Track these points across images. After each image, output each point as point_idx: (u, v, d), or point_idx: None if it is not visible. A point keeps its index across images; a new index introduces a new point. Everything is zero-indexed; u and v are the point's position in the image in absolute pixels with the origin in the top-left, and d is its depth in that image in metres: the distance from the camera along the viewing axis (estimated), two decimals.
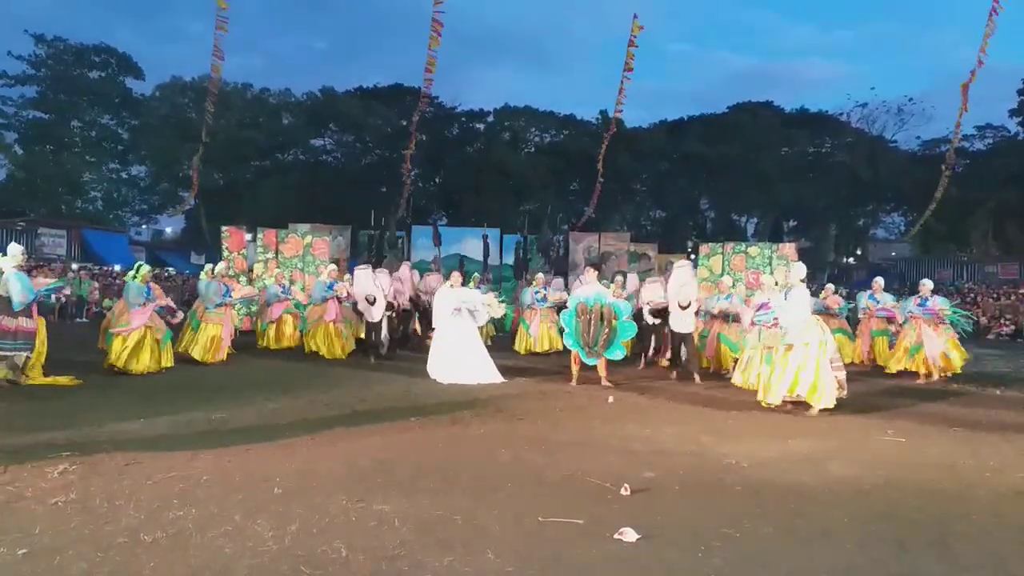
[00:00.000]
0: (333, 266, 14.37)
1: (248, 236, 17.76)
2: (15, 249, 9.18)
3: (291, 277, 16.65)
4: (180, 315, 11.35)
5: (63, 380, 9.12)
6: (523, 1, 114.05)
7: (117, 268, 30.68)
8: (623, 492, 4.82)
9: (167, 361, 10.62)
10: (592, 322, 9.73)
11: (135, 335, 10.19)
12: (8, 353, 8.74)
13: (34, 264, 24.30)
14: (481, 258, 29.17)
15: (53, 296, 10.58)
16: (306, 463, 5.48)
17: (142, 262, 11.34)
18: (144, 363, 10.19)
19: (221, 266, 13.49)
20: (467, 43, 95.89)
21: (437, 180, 47.56)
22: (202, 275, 12.70)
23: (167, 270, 34.05)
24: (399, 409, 7.94)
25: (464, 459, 5.77)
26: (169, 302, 11.12)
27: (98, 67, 43.22)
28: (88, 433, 6.28)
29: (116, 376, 9.87)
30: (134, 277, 10.48)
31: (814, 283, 15.24)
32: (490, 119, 48.86)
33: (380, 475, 5.20)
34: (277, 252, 17.53)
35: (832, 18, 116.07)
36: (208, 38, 21.85)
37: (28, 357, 8.96)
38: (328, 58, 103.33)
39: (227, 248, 17.55)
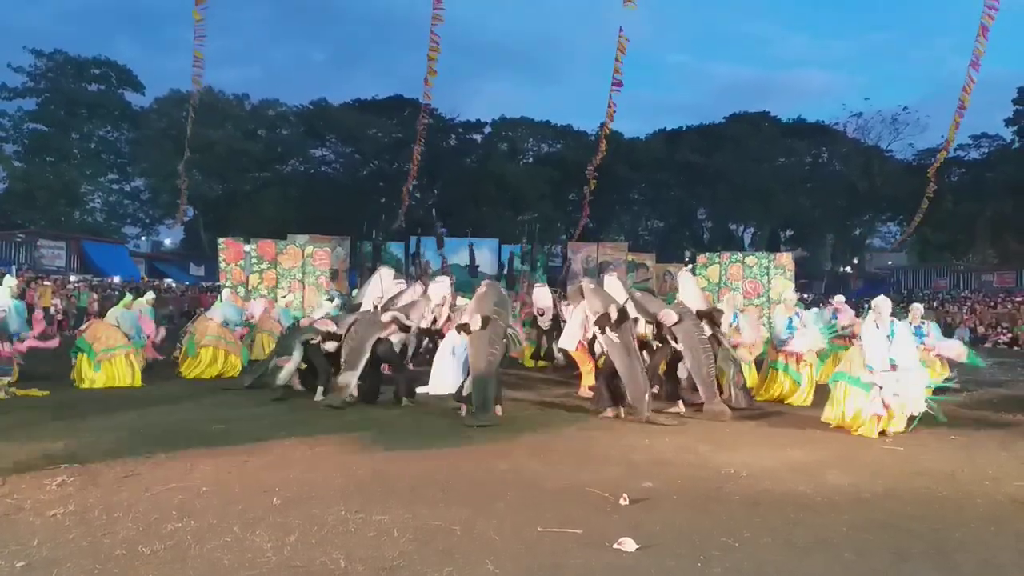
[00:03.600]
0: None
1: (246, 247, 17.73)
2: (10, 280, 9.77)
3: (289, 288, 16.65)
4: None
5: (34, 392, 9.26)
6: (521, 13, 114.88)
7: (116, 280, 30.66)
8: (622, 502, 4.83)
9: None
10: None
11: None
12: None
13: (32, 276, 24.32)
14: (483, 269, 29.31)
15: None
16: (305, 474, 5.48)
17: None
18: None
19: (228, 292, 13.50)
20: (465, 55, 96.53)
21: (435, 191, 47.67)
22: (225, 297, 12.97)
23: (166, 281, 34.06)
24: (397, 420, 7.94)
25: (463, 469, 5.77)
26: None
27: (98, 80, 43.39)
28: (86, 445, 6.28)
29: (114, 391, 9.85)
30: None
31: (810, 292, 15.20)
32: (487, 130, 49.03)
33: (379, 485, 5.20)
34: (275, 262, 17.52)
35: (826, 29, 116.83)
36: (207, 51, 21.88)
37: (9, 380, 9.23)
38: (327, 69, 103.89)
39: (224, 260, 17.54)
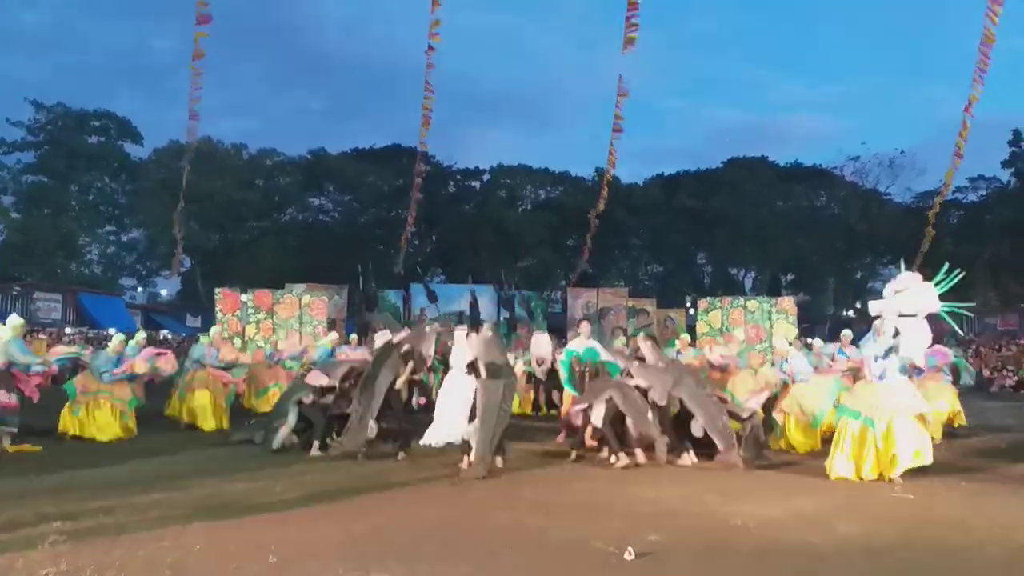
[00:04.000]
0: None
1: (243, 297, 17.71)
2: (15, 320, 9.56)
3: (287, 337, 16.55)
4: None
5: (27, 448, 9.10)
6: (518, 63, 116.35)
7: (112, 331, 30.59)
8: (627, 556, 4.69)
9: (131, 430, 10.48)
10: (587, 377, 9.48)
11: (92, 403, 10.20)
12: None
13: (28, 329, 24.21)
14: (480, 315, 29.12)
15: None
16: (302, 530, 5.35)
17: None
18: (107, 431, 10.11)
19: (215, 330, 13.52)
20: (463, 104, 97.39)
21: (433, 238, 47.92)
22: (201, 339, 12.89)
23: (162, 333, 33.97)
24: (397, 473, 7.82)
25: (464, 524, 5.66)
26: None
27: (97, 132, 43.81)
28: (78, 502, 6.14)
29: (107, 445, 9.74)
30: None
31: (813, 336, 15.09)
32: (486, 177, 49.48)
33: (377, 542, 5.09)
34: (272, 312, 17.49)
35: (821, 74, 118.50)
36: (206, 102, 22.16)
37: (12, 432, 9.00)
38: (325, 120, 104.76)
39: (221, 310, 17.51)
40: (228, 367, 12.53)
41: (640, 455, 8.13)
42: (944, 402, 10.88)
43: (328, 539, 5.13)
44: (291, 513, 5.89)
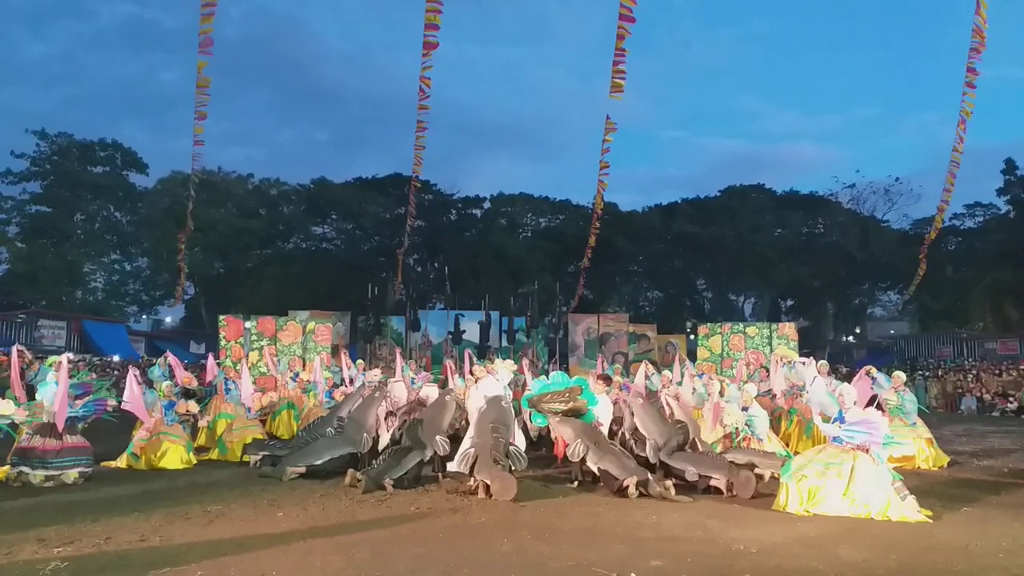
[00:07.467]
0: None
1: (246, 324, 17.72)
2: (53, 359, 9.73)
3: (290, 364, 16.54)
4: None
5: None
6: (519, 94, 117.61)
7: (116, 359, 30.60)
8: None
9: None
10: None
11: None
12: (55, 472, 8.51)
13: (30, 360, 24.17)
14: (479, 341, 29.03)
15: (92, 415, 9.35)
16: (303, 556, 5.35)
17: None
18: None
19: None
20: (465, 133, 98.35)
21: (435, 265, 48.07)
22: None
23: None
24: (398, 498, 7.79)
25: (464, 551, 5.64)
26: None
27: (103, 162, 44.12)
28: (81, 528, 6.16)
29: (113, 471, 9.72)
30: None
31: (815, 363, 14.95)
32: (487, 205, 49.73)
33: (378, 568, 5.08)
34: (275, 339, 17.49)
35: (818, 104, 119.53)
36: (214, 132, 22.35)
37: (83, 473, 8.77)
38: (328, 149, 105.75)
39: (224, 336, 17.53)
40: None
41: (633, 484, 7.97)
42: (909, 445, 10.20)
43: (329, 566, 5.12)
44: (293, 539, 5.87)
